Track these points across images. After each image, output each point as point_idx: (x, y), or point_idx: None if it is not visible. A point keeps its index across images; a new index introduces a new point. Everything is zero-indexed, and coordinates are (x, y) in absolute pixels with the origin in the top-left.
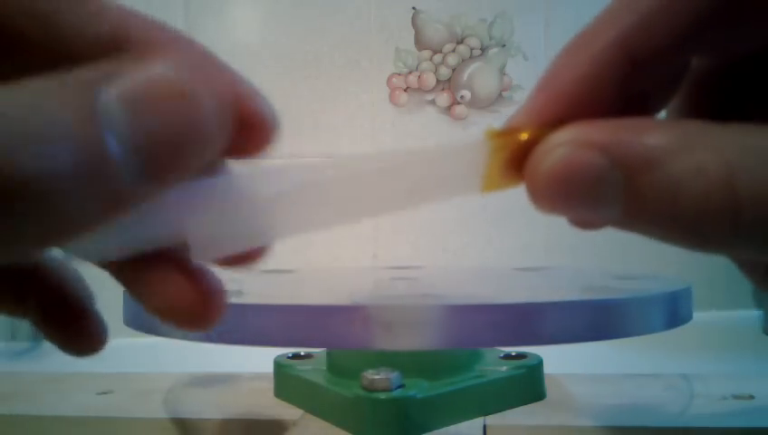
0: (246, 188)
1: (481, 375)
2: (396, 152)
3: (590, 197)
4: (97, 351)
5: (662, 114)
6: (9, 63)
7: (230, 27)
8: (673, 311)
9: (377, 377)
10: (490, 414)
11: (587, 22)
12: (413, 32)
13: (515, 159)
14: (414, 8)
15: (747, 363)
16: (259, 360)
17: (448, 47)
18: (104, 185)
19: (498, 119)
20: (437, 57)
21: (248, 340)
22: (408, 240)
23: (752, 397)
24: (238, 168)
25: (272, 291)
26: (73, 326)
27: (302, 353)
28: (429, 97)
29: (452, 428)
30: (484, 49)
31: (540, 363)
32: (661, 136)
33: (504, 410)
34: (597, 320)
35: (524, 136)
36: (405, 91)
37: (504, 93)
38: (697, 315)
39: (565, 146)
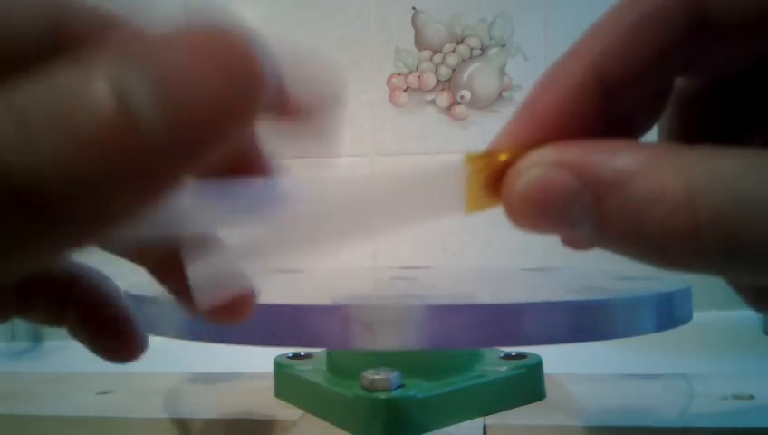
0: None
1: (481, 375)
2: (377, 175)
3: (562, 216)
4: (137, 357)
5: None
6: None
7: None
8: (665, 312)
9: (377, 377)
10: (490, 414)
11: (587, 22)
12: (413, 32)
13: (496, 180)
14: (414, 8)
15: (747, 363)
16: (259, 360)
17: (448, 47)
18: (137, 163)
19: (498, 119)
20: (437, 57)
21: (231, 338)
22: (408, 240)
23: (752, 397)
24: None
25: (264, 290)
26: (113, 334)
27: (302, 353)
28: (429, 97)
29: (452, 428)
30: (484, 49)
31: (540, 363)
32: (628, 158)
33: (504, 410)
34: (578, 321)
35: (503, 157)
36: (405, 91)
37: (504, 93)
38: (697, 315)
39: (538, 167)
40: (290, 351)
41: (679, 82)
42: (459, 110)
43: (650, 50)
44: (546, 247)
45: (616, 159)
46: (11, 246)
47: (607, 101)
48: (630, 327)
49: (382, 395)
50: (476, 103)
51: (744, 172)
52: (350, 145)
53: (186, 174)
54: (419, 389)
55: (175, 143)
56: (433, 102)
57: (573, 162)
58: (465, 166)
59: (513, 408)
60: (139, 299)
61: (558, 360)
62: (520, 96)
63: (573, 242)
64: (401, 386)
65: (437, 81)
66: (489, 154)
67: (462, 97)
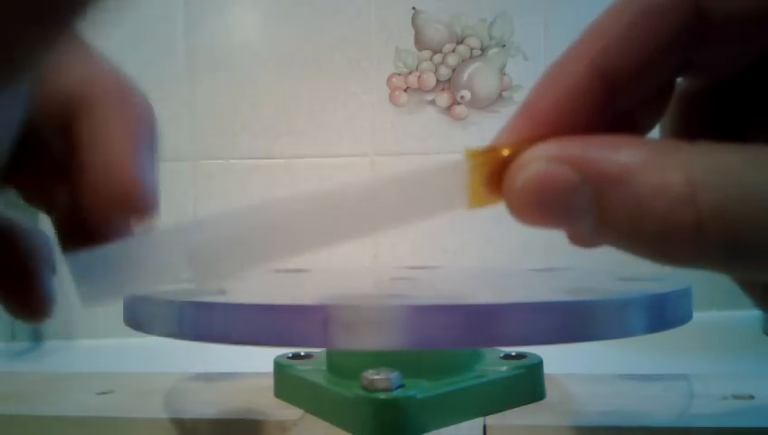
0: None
1: (481, 375)
2: (382, 177)
3: (564, 211)
4: (37, 319)
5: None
6: None
7: (230, 27)
8: (657, 314)
9: (377, 377)
10: (490, 414)
11: (587, 22)
12: (413, 32)
13: (497, 176)
14: (414, 8)
15: (747, 363)
16: (259, 360)
17: (448, 47)
18: None
19: (498, 119)
20: (437, 57)
21: (214, 337)
22: (408, 240)
23: (752, 397)
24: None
25: (257, 290)
26: (18, 289)
27: (302, 353)
28: (429, 97)
29: (452, 428)
30: (484, 49)
31: (540, 363)
32: (630, 153)
33: (504, 410)
34: (561, 322)
35: (505, 153)
36: (405, 91)
37: (504, 93)
38: (697, 315)
39: (540, 161)
40: (288, 351)
41: (680, 82)
42: (459, 110)
43: (651, 46)
44: (547, 247)
45: (618, 154)
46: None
47: (608, 99)
48: (617, 329)
49: (382, 395)
50: (476, 103)
51: (747, 167)
52: (350, 145)
53: None
54: (419, 389)
55: None
56: (433, 102)
57: (575, 157)
58: (466, 161)
59: (513, 408)
60: (136, 299)
61: (558, 360)
62: (520, 96)
63: (579, 239)
64: (401, 386)
65: (437, 81)
66: (490, 149)
67: (462, 97)
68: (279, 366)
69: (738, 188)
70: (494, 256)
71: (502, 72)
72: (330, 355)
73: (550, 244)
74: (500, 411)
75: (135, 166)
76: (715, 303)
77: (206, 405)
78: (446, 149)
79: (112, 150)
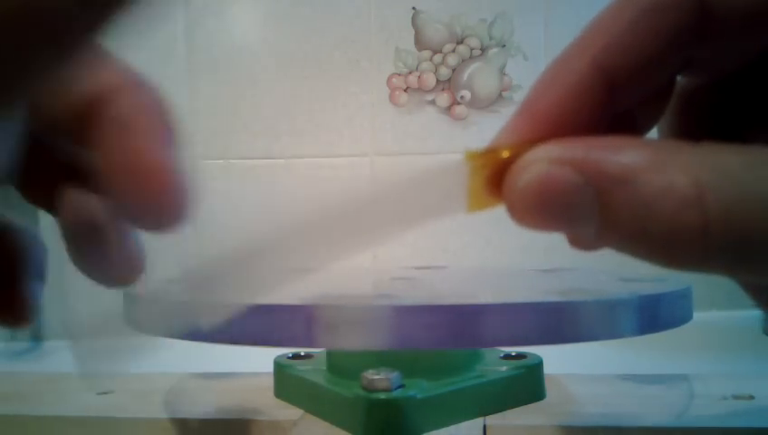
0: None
1: (481, 375)
2: (379, 185)
3: (565, 213)
4: (16, 325)
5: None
6: None
7: (230, 27)
8: (649, 315)
9: (377, 377)
10: (490, 414)
11: (587, 22)
12: (413, 32)
13: (497, 178)
14: (414, 8)
15: (747, 363)
16: (259, 360)
17: (448, 47)
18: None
19: (498, 119)
20: (437, 57)
21: (201, 337)
22: (408, 240)
23: (752, 397)
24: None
25: (251, 290)
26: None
27: (302, 353)
28: (429, 97)
29: (452, 428)
30: (484, 49)
31: (540, 364)
32: (633, 154)
33: (504, 410)
34: (544, 323)
35: (505, 154)
36: (405, 91)
37: (504, 93)
38: (697, 315)
39: (540, 163)
40: (288, 351)
41: (679, 81)
42: (459, 110)
43: (653, 43)
44: (547, 248)
45: (621, 156)
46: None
47: (609, 97)
48: (605, 330)
49: (382, 395)
50: (476, 103)
51: (754, 168)
52: (350, 145)
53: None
54: (419, 389)
55: None
56: (433, 102)
57: (577, 158)
58: (465, 163)
59: (513, 408)
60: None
61: (558, 360)
62: (520, 96)
63: (580, 242)
64: (401, 386)
65: (437, 81)
66: (490, 151)
67: (462, 97)
68: (279, 366)
69: (746, 190)
70: (495, 257)
71: (502, 72)
72: (330, 355)
73: (550, 245)
74: (500, 411)
75: (166, 148)
76: (715, 303)
77: (206, 405)
78: (446, 150)
79: (142, 136)
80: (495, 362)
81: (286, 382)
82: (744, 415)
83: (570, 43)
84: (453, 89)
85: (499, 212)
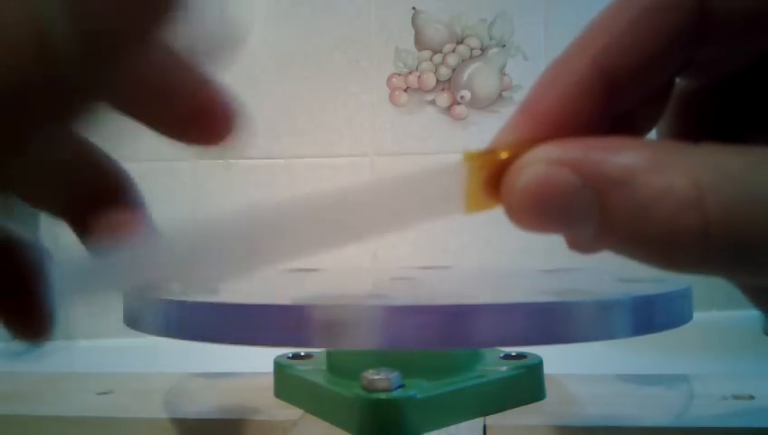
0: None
1: (481, 375)
2: (378, 181)
3: (564, 215)
4: (37, 339)
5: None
6: None
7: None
8: (643, 316)
9: (377, 377)
10: (490, 414)
11: (587, 22)
12: (413, 32)
13: (495, 179)
14: (414, 8)
15: (747, 363)
16: (259, 360)
17: (448, 47)
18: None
19: (498, 119)
20: (437, 57)
21: (196, 336)
22: (408, 240)
23: (752, 397)
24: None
25: (249, 290)
26: (19, 307)
27: (302, 353)
28: (429, 97)
29: (452, 428)
30: (484, 49)
31: (540, 364)
32: (632, 155)
33: (504, 410)
34: (533, 323)
35: (503, 155)
36: (405, 91)
37: (504, 93)
38: (697, 315)
39: (538, 164)
40: (288, 351)
41: (678, 83)
42: (459, 110)
43: (653, 44)
44: (547, 249)
45: (620, 156)
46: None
47: (609, 98)
48: (597, 331)
49: (382, 395)
50: (476, 103)
51: (755, 170)
52: (350, 145)
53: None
54: (419, 389)
55: (92, 61)
56: (433, 102)
57: (576, 159)
58: (463, 164)
59: (513, 408)
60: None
61: (558, 360)
62: (520, 96)
63: (578, 245)
64: (401, 386)
65: (437, 81)
66: (489, 152)
67: (462, 97)
68: (279, 366)
69: (746, 191)
70: (495, 257)
71: (502, 72)
72: (330, 355)
73: (550, 246)
74: (500, 411)
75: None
76: (715, 303)
77: (206, 405)
78: (446, 149)
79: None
80: (495, 362)
81: (286, 382)
82: (743, 415)
83: (570, 43)
84: (453, 89)
85: (499, 213)
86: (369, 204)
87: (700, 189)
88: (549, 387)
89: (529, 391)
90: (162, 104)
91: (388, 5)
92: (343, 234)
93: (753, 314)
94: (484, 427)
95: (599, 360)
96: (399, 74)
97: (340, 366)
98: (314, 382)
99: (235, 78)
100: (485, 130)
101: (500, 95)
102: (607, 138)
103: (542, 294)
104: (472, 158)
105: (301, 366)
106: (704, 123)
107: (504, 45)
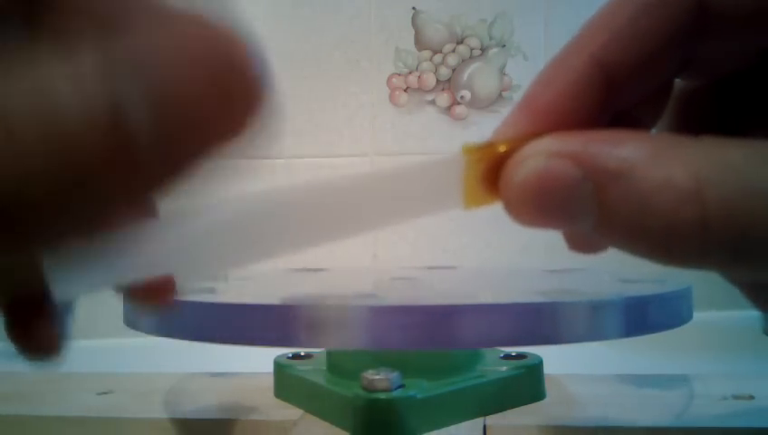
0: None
1: (481, 375)
2: (375, 172)
3: (563, 207)
4: (48, 357)
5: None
6: None
7: None
8: (636, 317)
9: (377, 377)
10: (490, 414)
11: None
12: (413, 32)
13: (494, 173)
14: (414, 8)
15: (747, 363)
16: (259, 360)
17: (448, 47)
18: (123, 168)
19: (498, 119)
20: (437, 57)
21: (188, 335)
22: (408, 240)
23: (752, 397)
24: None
25: (246, 289)
26: (30, 322)
27: (302, 353)
28: (429, 97)
29: (452, 428)
30: (484, 49)
31: (540, 364)
32: (632, 148)
33: (504, 410)
34: (521, 324)
35: (502, 148)
36: (405, 91)
37: (504, 93)
38: (697, 315)
39: (538, 157)
40: (288, 351)
41: (679, 82)
42: (459, 110)
43: (653, 40)
44: (547, 249)
45: (619, 149)
46: None
47: (608, 95)
48: (586, 332)
49: (382, 395)
50: (476, 103)
51: (754, 162)
52: (350, 145)
53: (167, 185)
54: (419, 389)
55: (164, 151)
56: (433, 102)
57: (575, 152)
58: (462, 157)
59: (513, 408)
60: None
61: (558, 360)
62: (520, 96)
63: (578, 245)
64: (401, 386)
65: (437, 81)
66: (488, 145)
67: (462, 97)
68: (279, 366)
69: (746, 184)
70: (495, 257)
71: (502, 72)
72: (330, 355)
73: (550, 246)
74: (500, 411)
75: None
76: (715, 303)
77: (206, 405)
78: (446, 149)
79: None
80: (495, 362)
81: (286, 382)
82: (743, 415)
83: (572, 37)
84: (453, 89)
85: (498, 213)
86: (366, 197)
87: (700, 182)
88: (549, 387)
89: (529, 391)
90: None
91: (388, 5)
92: (339, 226)
93: (753, 314)
94: (484, 427)
95: (599, 360)
96: (399, 74)
97: (340, 366)
98: (314, 382)
99: None
100: (485, 130)
101: (500, 95)
102: (607, 130)
103: (536, 294)
104: (470, 151)
105: (301, 366)
106: (704, 123)
107: (504, 45)
